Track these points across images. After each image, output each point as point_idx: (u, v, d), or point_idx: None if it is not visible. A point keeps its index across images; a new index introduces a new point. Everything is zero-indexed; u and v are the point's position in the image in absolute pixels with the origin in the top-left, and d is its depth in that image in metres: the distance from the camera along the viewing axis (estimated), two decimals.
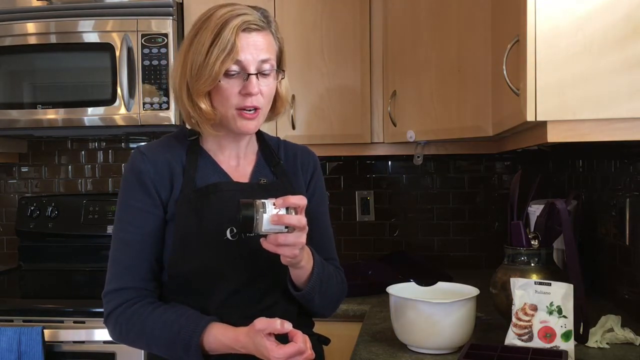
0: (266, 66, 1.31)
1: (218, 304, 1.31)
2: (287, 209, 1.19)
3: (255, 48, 1.29)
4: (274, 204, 1.18)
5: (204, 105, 1.29)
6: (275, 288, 1.36)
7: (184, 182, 1.33)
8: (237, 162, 1.42)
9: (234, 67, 1.28)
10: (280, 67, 1.36)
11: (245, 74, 1.29)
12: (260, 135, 1.49)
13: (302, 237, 1.21)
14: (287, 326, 1.19)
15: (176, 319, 1.25)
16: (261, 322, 1.19)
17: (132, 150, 1.39)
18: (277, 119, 1.51)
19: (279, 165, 1.45)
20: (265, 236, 1.21)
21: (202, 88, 1.28)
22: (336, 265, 1.49)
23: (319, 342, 1.50)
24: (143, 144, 1.39)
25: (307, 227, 1.21)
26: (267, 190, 1.37)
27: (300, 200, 1.20)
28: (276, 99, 1.39)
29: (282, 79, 1.38)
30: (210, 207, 1.32)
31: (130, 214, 1.33)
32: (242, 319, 1.26)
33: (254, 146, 1.46)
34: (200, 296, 1.32)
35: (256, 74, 1.29)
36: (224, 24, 1.27)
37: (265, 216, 1.17)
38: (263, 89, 1.31)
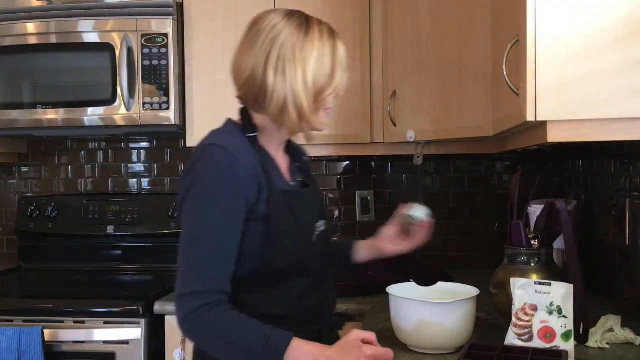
0: None
1: (296, 296, 1.41)
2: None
3: None
4: (419, 223, 1.65)
5: (323, 115, 1.43)
6: (328, 279, 1.51)
7: (269, 181, 1.37)
8: (280, 160, 1.49)
9: None
10: None
11: None
12: None
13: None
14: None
15: (262, 327, 1.29)
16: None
17: (213, 147, 1.33)
18: None
19: (302, 161, 1.57)
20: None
21: (323, 103, 1.41)
22: None
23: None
24: (219, 142, 1.35)
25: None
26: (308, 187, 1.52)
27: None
28: None
29: None
30: (303, 207, 1.43)
31: (226, 219, 1.32)
32: (308, 309, 1.42)
33: None
34: (280, 288, 1.39)
35: None
36: (334, 41, 1.40)
37: (421, 211, 1.64)
38: None
